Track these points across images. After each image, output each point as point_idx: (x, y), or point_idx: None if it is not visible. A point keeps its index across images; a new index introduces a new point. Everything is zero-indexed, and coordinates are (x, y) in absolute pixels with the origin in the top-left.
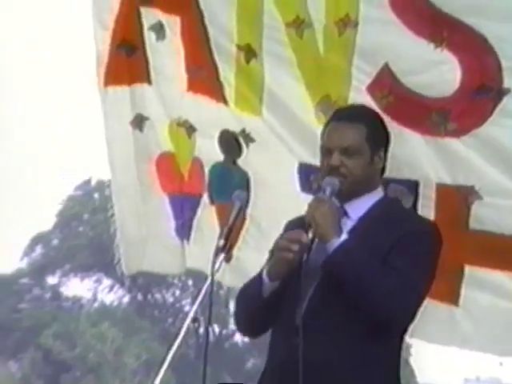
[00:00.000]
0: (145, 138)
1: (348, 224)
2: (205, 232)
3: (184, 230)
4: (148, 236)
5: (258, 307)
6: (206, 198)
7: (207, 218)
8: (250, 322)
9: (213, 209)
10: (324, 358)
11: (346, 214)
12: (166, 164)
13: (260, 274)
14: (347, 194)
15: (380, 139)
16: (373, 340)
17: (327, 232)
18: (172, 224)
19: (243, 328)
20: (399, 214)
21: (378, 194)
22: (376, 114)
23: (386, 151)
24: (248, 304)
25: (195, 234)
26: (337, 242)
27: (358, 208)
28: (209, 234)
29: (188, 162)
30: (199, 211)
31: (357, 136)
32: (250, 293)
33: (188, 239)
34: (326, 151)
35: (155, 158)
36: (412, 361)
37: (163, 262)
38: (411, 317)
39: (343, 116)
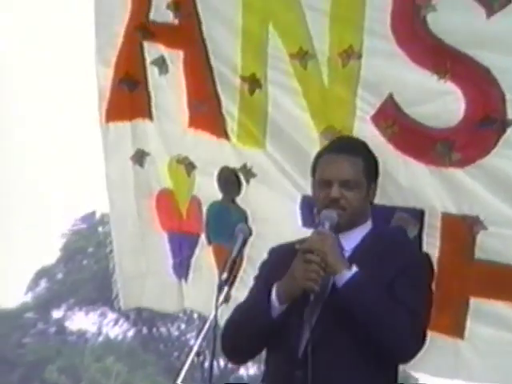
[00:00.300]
0: (145, 173)
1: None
2: (203, 272)
3: (182, 268)
4: (147, 272)
5: (264, 329)
6: (203, 237)
7: (205, 258)
8: (247, 345)
9: (210, 249)
10: None
11: (340, 245)
12: (166, 201)
13: (261, 298)
14: (343, 227)
15: (374, 173)
16: (374, 373)
17: (337, 263)
18: (170, 262)
19: (235, 352)
20: (392, 245)
21: (368, 226)
22: (369, 147)
23: (376, 184)
24: (252, 325)
25: (193, 274)
26: (348, 274)
27: (351, 239)
28: (207, 275)
29: (187, 201)
30: (197, 251)
31: (356, 169)
32: (255, 314)
33: (186, 279)
34: (325, 183)
35: (155, 194)
36: None
37: (161, 300)
38: None
39: (342, 148)
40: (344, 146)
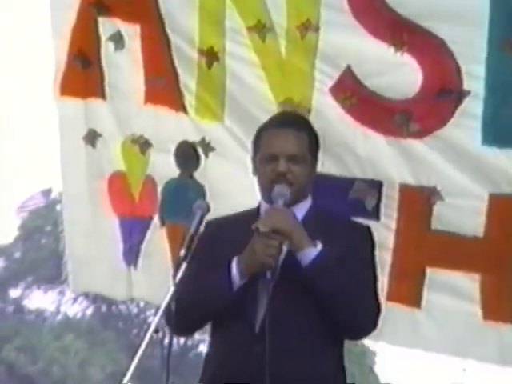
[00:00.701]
0: (97, 154)
1: None
2: (153, 258)
3: (132, 255)
4: (97, 257)
5: (224, 303)
6: (156, 220)
7: (157, 242)
8: (201, 320)
9: (163, 231)
10: (285, 366)
11: None
12: (118, 184)
13: (221, 273)
14: (288, 203)
15: (317, 148)
16: (328, 346)
17: (302, 240)
18: (120, 247)
19: (187, 327)
20: (337, 223)
21: (308, 202)
22: (310, 123)
23: (317, 160)
24: (214, 300)
25: (143, 261)
26: (313, 252)
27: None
28: (157, 261)
29: (140, 182)
30: (148, 235)
31: (302, 143)
32: (216, 289)
33: (135, 265)
34: (271, 158)
35: (107, 176)
36: (376, 369)
37: (111, 287)
38: None
39: (287, 123)
40: (289, 121)
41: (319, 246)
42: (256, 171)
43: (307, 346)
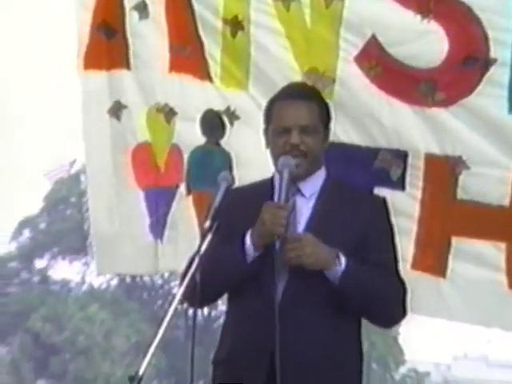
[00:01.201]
0: (122, 127)
1: (303, 202)
2: (179, 228)
3: (158, 227)
4: (122, 234)
5: (239, 275)
6: (182, 188)
7: (183, 211)
8: (216, 291)
9: (189, 199)
10: (304, 340)
11: (299, 191)
12: (142, 156)
13: (235, 245)
14: (303, 174)
15: (328, 118)
16: (349, 318)
17: (327, 264)
18: (147, 222)
19: (202, 300)
20: (354, 196)
21: (323, 172)
22: (319, 92)
23: (328, 129)
24: (227, 271)
25: (169, 232)
26: (339, 270)
27: (311, 186)
28: (183, 231)
29: (165, 151)
30: (174, 204)
31: (313, 114)
32: (230, 260)
33: (161, 238)
34: (283, 130)
35: (131, 149)
36: (401, 339)
37: (135, 263)
38: None
39: (296, 94)
40: (298, 92)
41: (343, 261)
42: (268, 144)
43: (324, 320)
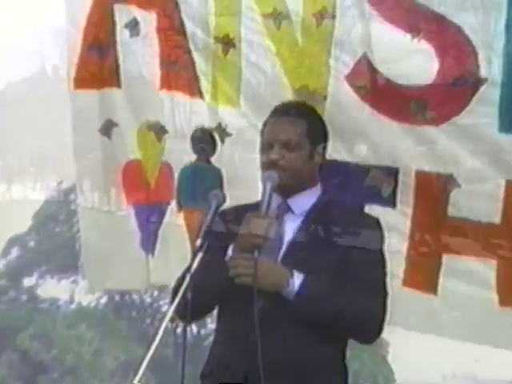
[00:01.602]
0: (113, 146)
1: (292, 219)
2: (170, 243)
3: (149, 242)
4: (113, 252)
5: (221, 286)
6: (173, 205)
7: (174, 226)
8: (207, 305)
9: (180, 216)
10: (283, 356)
11: (289, 209)
12: (132, 173)
13: (219, 257)
14: (288, 189)
15: (320, 135)
16: (328, 337)
17: (277, 287)
18: (137, 238)
19: (194, 312)
20: (346, 214)
21: (318, 190)
22: (316, 111)
23: (324, 148)
24: (211, 283)
25: (160, 246)
26: (292, 291)
27: (302, 204)
28: (174, 245)
29: (156, 169)
30: (166, 219)
31: (297, 130)
32: (212, 273)
33: (153, 253)
34: (267, 145)
35: (121, 168)
36: (390, 358)
37: (126, 279)
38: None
39: (283, 111)
40: (286, 110)
41: (296, 284)
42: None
43: (300, 338)
